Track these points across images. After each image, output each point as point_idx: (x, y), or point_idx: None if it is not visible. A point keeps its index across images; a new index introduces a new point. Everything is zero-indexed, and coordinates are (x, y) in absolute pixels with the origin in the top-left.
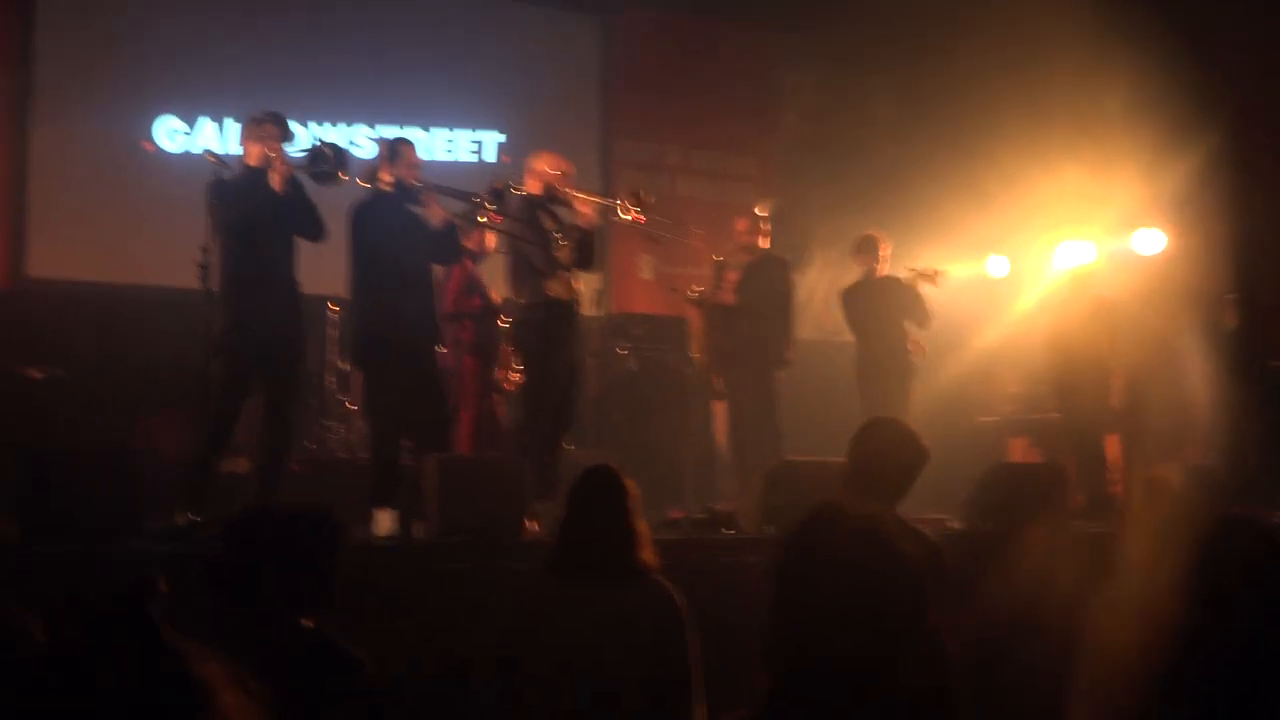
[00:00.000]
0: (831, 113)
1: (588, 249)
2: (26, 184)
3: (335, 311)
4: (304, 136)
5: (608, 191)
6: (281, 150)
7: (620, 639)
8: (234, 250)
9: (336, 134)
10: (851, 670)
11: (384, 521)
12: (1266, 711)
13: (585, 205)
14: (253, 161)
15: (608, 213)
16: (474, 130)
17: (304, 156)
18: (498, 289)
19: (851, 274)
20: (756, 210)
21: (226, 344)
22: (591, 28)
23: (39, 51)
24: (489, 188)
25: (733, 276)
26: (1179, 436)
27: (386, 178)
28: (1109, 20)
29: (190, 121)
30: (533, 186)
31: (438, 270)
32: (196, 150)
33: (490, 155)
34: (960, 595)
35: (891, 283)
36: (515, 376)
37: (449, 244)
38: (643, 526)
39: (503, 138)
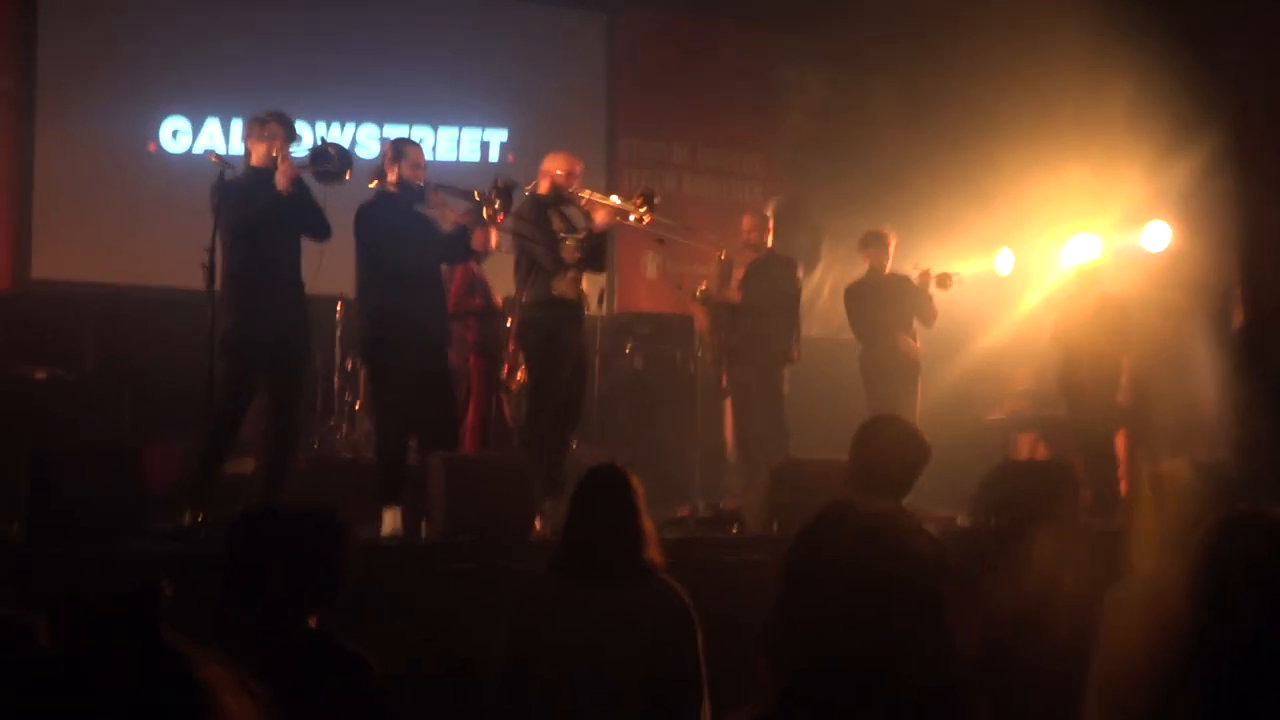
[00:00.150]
0: (836, 110)
1: (598, 251)
2: (30, 185)
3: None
4: (308, 136)
5: (613, 190)
6: (286, 150)
7: (627, 638)
8: (238, 250)
9: (341, 134)
10: (861, 670)
11: (390, 521)
12: (1275, 710)
13: (599, 209)
14: (257, 161)
15: (621, 215)
16: (480, 129)
17: (307, 156)
18: (501, 288)
19: (857, 270)
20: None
21: (231, 344)
22: (595, 25)
23: (42, 53)
24: (493, 185)
25: (739, 274)
26: (1186, 433)
27: (392, 178)
28: (1111, 18)
29: (194, 122)
30: (544, 186)
31: (443, 270)
32: (199, 151)
33: (495, 154)
34: (966, 593)
35: (899, 281)
36: (521, 376)
37: (458, 244)
38: (649, 525)
39: (507, 136)
